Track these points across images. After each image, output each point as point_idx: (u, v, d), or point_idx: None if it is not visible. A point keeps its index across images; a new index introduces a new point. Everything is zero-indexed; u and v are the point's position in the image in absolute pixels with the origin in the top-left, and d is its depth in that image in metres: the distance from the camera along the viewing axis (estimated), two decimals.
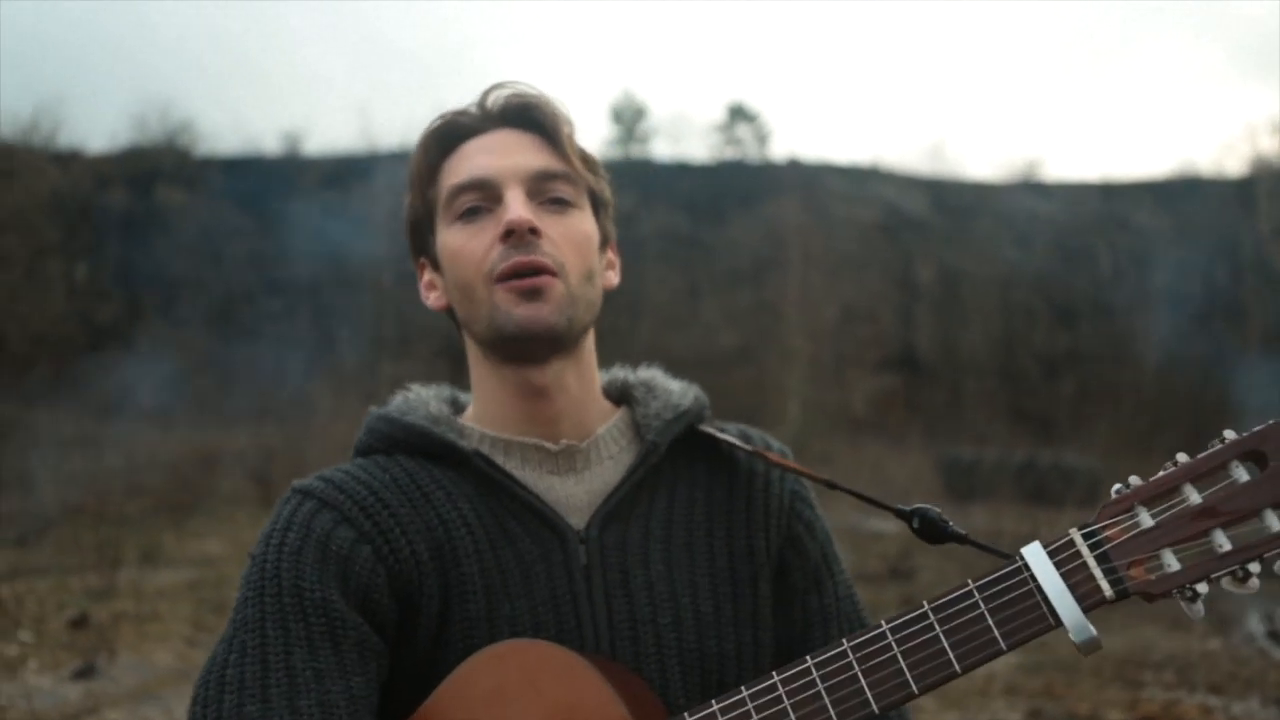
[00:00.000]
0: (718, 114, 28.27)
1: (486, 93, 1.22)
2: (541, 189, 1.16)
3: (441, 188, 1.17)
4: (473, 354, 1.19)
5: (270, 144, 20.37)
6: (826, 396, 17.23)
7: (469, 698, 1.04)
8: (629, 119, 23.21)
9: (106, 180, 18.81)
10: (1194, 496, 0.93)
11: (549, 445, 1.18)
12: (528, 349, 1.13)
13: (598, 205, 1.21)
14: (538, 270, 1.11)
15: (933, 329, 20.50)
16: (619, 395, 1.27)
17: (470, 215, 1.16)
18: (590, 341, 1.21)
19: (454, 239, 1.15)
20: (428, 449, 1.18)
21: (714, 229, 20.23)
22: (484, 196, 1.16)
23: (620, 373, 1.31)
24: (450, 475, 1.16)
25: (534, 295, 1.10)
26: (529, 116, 1.19)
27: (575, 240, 1.15)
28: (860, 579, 7.79)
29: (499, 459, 1.18)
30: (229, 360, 17.11)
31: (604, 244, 1.22)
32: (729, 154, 23.58)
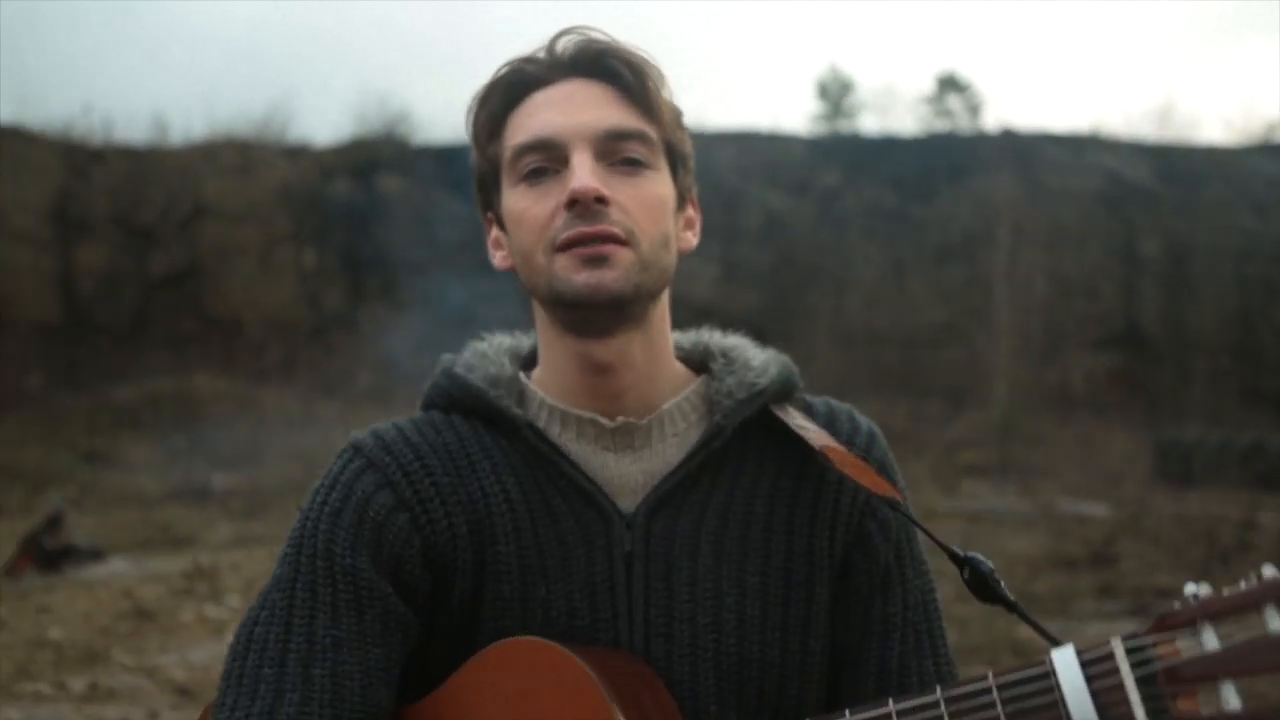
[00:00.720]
0: (927, 85, 27.49)
1: (556, 38, 1.12)
2: (613, 149, 1.07)
3: (505, 145, 1.09)
4: (539, 318, 1.13)
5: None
6: (1039, 375, 16.59)
7: (471, 693, 1.03)
8: (835, 94, 22.83)
9: (331, 171, 19.77)
10: (1277, 622, 0.75)
11: (604, 421, 1.10)
12: (590, 318, 1.07)
13: (676, 161, 1.12)
14: (604, 239, 1.04)
15: (1159, 304, 19.43)
16: (700, 362, 1.18)
17: (535, 176, 1.07)
18: (663, 309, 1.13)
19: (517, 202, 1.08)
20: (483, 413, 1.13)
21: (922, 204, 19.71)
22: (549, 157, 1.07)
23: (706, 337, 1.21)
24: (502, 443, 1.12)
25: (598, 261, 1.03)
26: (602, 65, 1.09)
27: (648, 205, 1.07)
28: (1057, 564, 7.52)
29: (555, 430, 1.12)
30: (446, 341, 17.75)
31: (682, 203, 1.13)
32: (939, 126, 22.90)
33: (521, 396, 1.14)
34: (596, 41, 1.10)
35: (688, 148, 1.14)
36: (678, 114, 1.12)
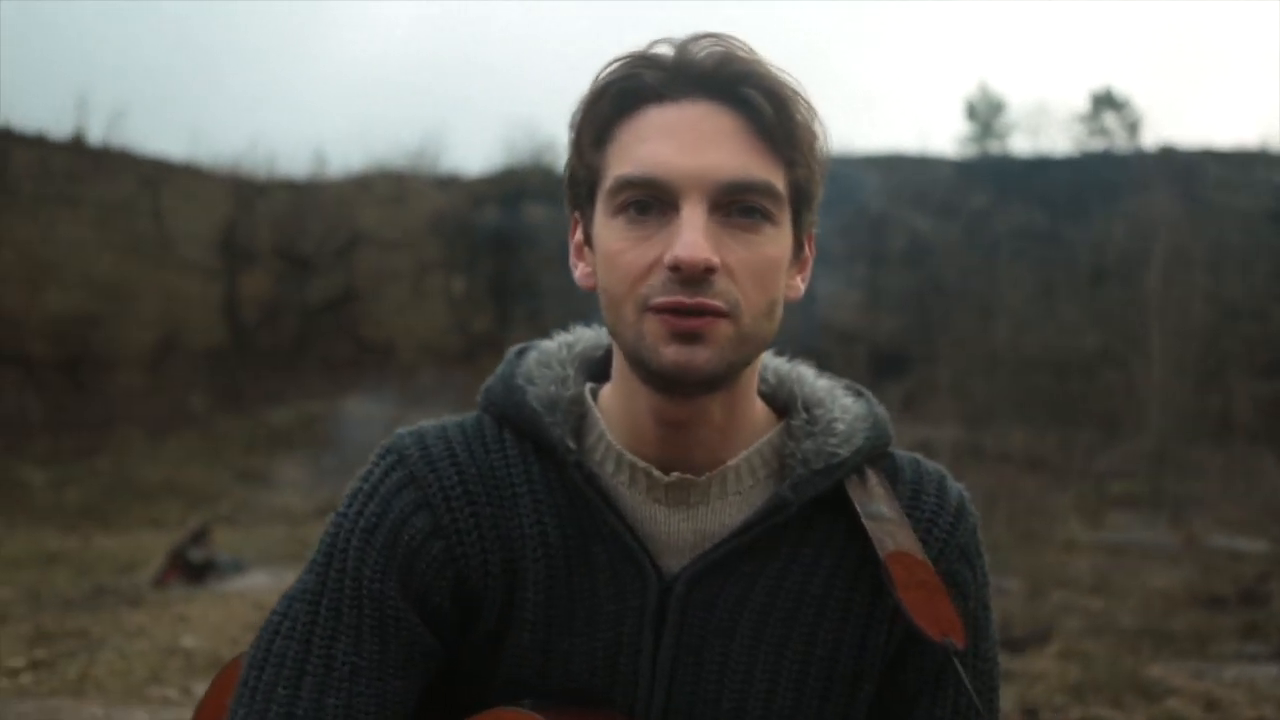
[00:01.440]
0: (1081, 103, 26.68)
1: (690, 41, 0.96)
2: (730, 200, 0.93)
3: (608, 164, 0.97)
4: (617, 355, 1.01)
5: None
6: (1198, 403, 15.87)
7: None
8: (984, 114, 22.38)
9: (481, 200, 20.27)
10: None
11: (659, 475, 1.00)
12: (673, 389, 0.96)
13: (801, 204, 0.98)
14: (703, 312, 0.92)
15: None
16: (783, 405, 1.06)
17: (636, 211, 0.95)
18: (755, 368, 1.01)
19: (612, 238, 0.96)
20: (534, 438, 1.03)
21: (1075, 225, 19.11)
22: (654, 195, 0.94)
23: (794, 377, 1.08)
24: (550, 476, 1.02)
25: (692, 339, 0.92)
26: (740, 91, 0.94)
27: (760, 271, 0.94)
28: (1201, 601, 7.17)
29: (609, 468, 1.02)
30: None
31: (799, 251, 1.00)
32: (1093, 145, 22.21)
33: (582, 422, 1.04)
34: (738, 58, 0.95)
35: (818, 181, 0.99)
36: (818, 147, 0.98)
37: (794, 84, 0.96)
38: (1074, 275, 18.64)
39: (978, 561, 1.05)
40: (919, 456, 1.09)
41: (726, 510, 1.01)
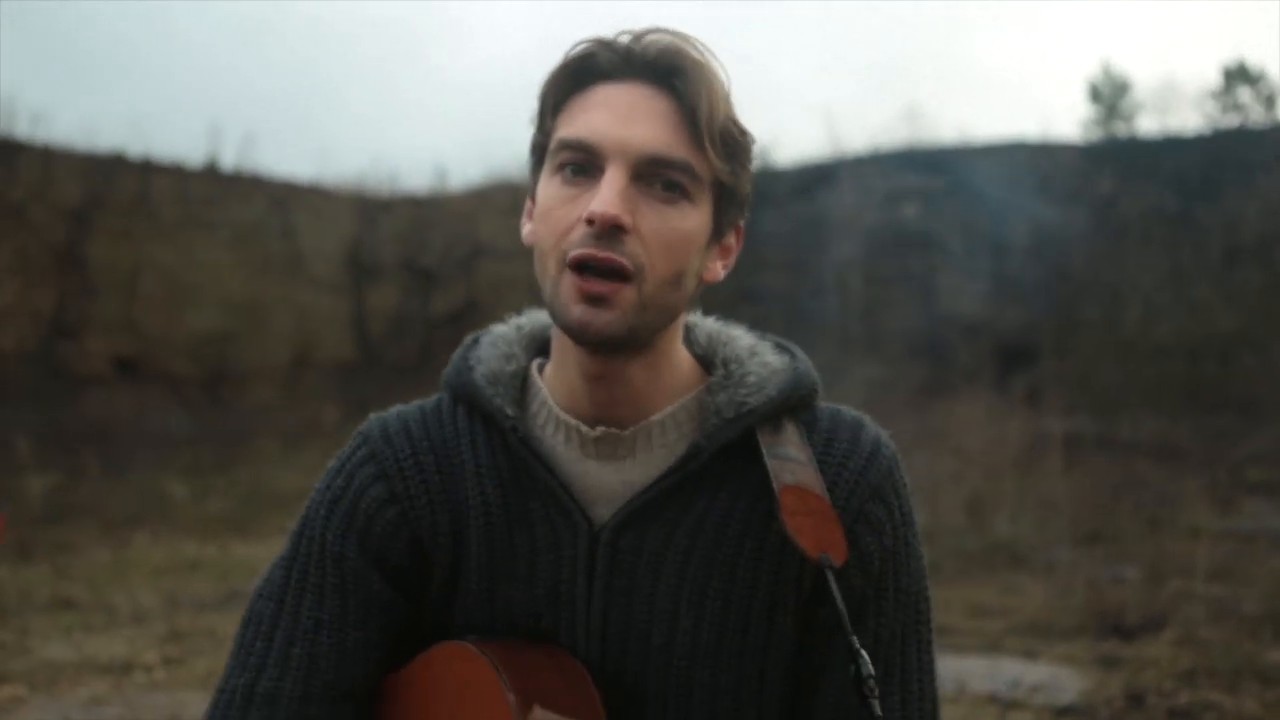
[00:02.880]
0: (1212, 78, 25.73)
1: (642, 34, 1.07)
2: (652, 172, 1.03)
3: (557, 128, 1.07)
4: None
5: None
6: None
7: (412, 688, 1.10)
8: (1109, 95, 21.77)
9: None
10: None
11: (585, 429, 1.10)
12: (581, 345, 1.06)
13: (723, 195, 1.07)
14: (611, 271, 1.01)
15: None
16: (711, 365, 1.16)
17: (572, 173, 1.05)
18: (672, 333, 1.10)
19: (549, 194, 1.06)
20: (480, 409, 1.14)
21: (1208, 206, 18.45)
22: (587, 159, 1.04)
23: (723, 338, 1.17)
24: (494, 443, 1.13)
25: (597, 301, 1.01)
26: (674, 79, 1.04)
27: (670, 241, 1.03)
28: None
29: (549, 430, 1.12)
30: None
31: (719, 235, 1.09)
32: (1226, 122, 21.42)
33: (525, 392, 1.15)
34: (679, 52, 1.05)
35: (743, 182, 1.09)
36: (741, 147, 1.07)
37: (725, 79, 1.05)
38: (1207, 258, 17.99)
39: (894, 500, 1.12)
40: (841, 407, 1.18)
41: (652, 462, 1.11)
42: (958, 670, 4.90)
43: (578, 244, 1.02)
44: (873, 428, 1.16)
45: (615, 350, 1.06)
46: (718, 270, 1.13)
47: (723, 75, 1.06)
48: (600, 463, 1.11)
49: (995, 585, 6.55)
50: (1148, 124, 22.04)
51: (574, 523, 1.10)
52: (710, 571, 1.08)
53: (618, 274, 1.01)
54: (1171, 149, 20.12)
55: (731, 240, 1.13)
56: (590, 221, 1.01)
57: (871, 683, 0.98)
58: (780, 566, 1.09)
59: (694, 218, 1.05)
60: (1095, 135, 21.48)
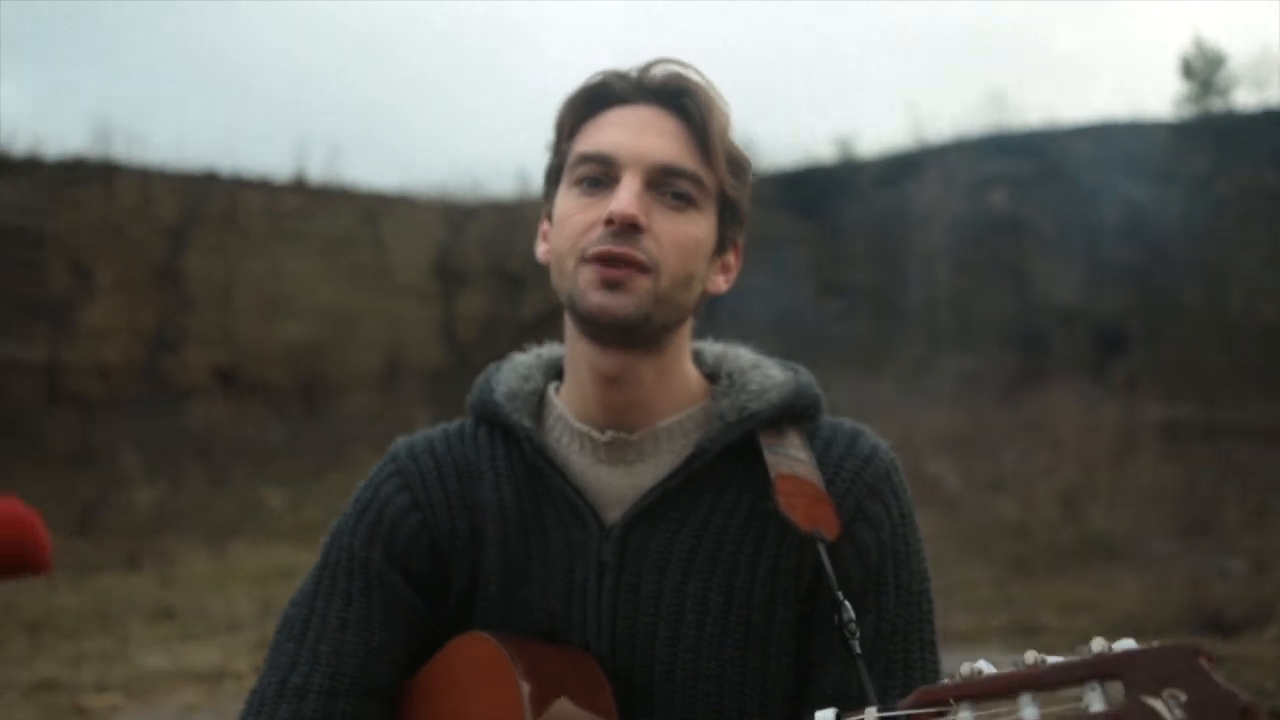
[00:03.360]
0: None
1: (650, 64, 1.17)
2: (665, 181, 1.12)
3: (574, 148, 1.16)
4: (566, 321, 1.19)
5: (825, 152, 20.86)
6: None
7: (432, 677, 1.15)
8: (1202, 70, 21.13)
9: None
10: (1030, 711, 0.71)
11: (596, 435, 1.17)
12: (597, 332, 1.13)
13: (725, 209, 1.16)
14: (628, 263, 1.09)
15: None
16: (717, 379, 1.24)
17: (589, 185, 1.13)
18: (681, 338, 1.18)
19: (566, 204, 1.14)
20: (499, 425, 1.23)
21: None
22: (604, 172, 1.12)
23: (731, 354, 1.25)
24: (512, 455, 1.21)
25: (615, 285, 1.09)
26: (680, 101, 1.14)
27: (681, 243, 1.11)
28: None
29: (565, 440, 1.19)
30: (793, 359, 17.89)
31: (722, 249, 1.18)
32: None
33: (541, 408, 1.23)
34: (683, 78, 1.16)
35: (743, 201, 1.18)
36: (741, 166, 1.17)
37: (723, 105, 1.15)
38: None
39: (890, 499, 1.16)
40: (843, 420, 1.23)
41: (660, 466, 1.17)
42: None
43: (597, 242, 1.10)
44: (871, 436, 1.21)
45: (630, 339, 1.12)
46: (719, 283, 1.19)
47: (722, 101, 1.16)
48: (611, 467, 1.17)
49: (1089, 580, 6.40)
50: (1244, 98, 21.29)
51: (586, 524, 1.16)
52: (714, 568, 1.14)
53: (635, 265, 1.09)
54: (1270, 123, 19.46)
55: (731, 258, 1.21)
56: (609, 221, 1.09)
57: (852, 625, 1.05)
58: (779, 558, 1.13)
59: (702, 225, 1.13)
60: (1189, 112, 20.83)
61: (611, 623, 1.14)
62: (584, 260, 1.11)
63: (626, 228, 1.09)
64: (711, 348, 1.27)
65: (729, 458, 1.16)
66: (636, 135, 1.12)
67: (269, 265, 17.41)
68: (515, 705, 1.03)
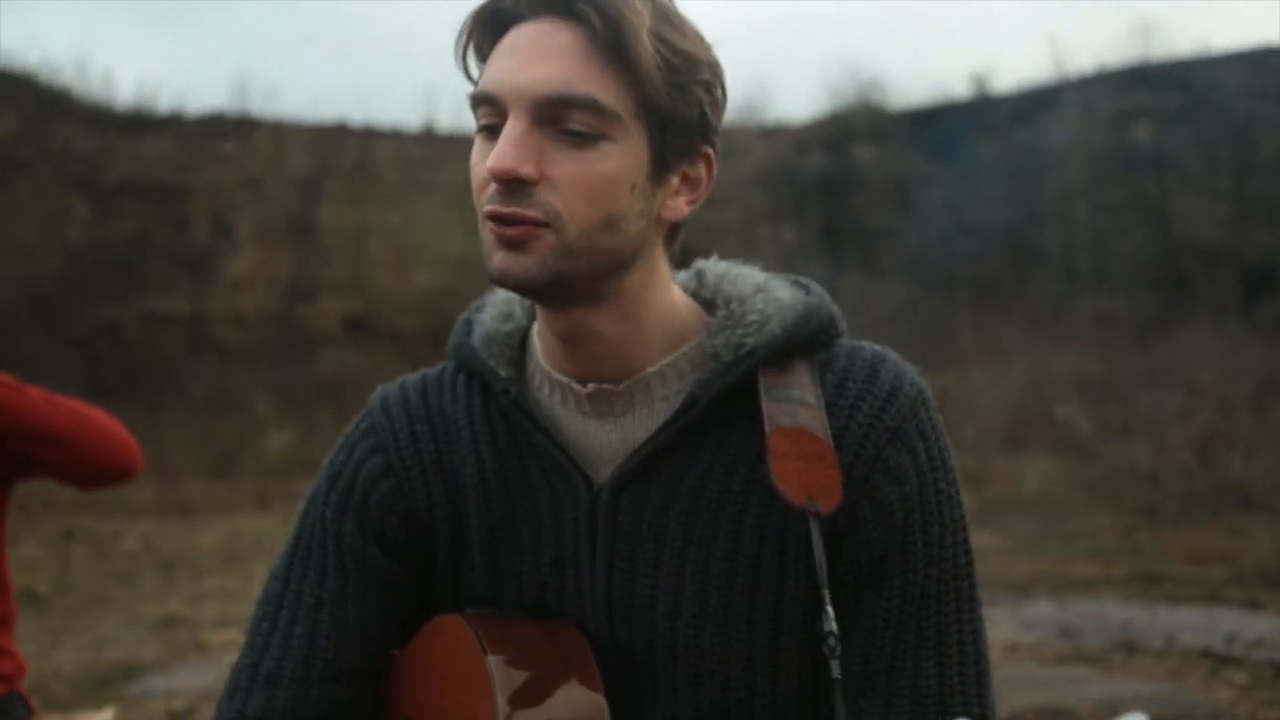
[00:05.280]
0: None
1: None
2: (554, 115, 0.93)
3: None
4: None
5: (959, 88, 20.21)
6: None
7: (411, 660, 1.08)
8: None
9: (806, 148, 20.14)
10: None
11: (577, 387, 1.03)
12: (508, 290, 0.99)
13: (659, 124, 0.95)
14: (519, 221, 0.93)
15: None
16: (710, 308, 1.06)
17: (487, 133, 0.97)
18: (642, 281, 1.00)
19: (473, 154, 0.99)
20: (477, 372, 1.09)
21: None
22: (496, 114, 0.96)
23: (728, 277, 1.07)
24: (490, 408, 1.08)
25: (513, 245, 0.94)
26: (575, 7, 0.94)
27: (588, 184, 0.93)
28: None
29: (545, 391, 1.06)
30: (924, 306, 17.55)
31: (662, 170, 0.97)
32: None
33: (523, 353, 1.09)
34: None
35: (690, 104, 0.97)
36: (683, 64, 0.96)
37: (651, 3, 0.94)
38: None
39: (917, 442, 1.00)
40: (863, 343, 1.05)
41: (652, 417, 1.02)
42: (1168, 622, 4.59)
43: (489, 200, 0.95)
44: (895, 363, 1.04)
45: (556, 299, 0.99)
46: (681, 207, 1.00)
47: None
48: (600, 421, 1.04)
49: (1221, 529, 6.11)
50: None
51: (574, 485, 1.04)
52: (715, 532, 1.01)
53: (530, 223, 0.94)
54: None
55: (700, 171, 1.00)
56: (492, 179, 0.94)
57: (832, 641, 0.92)
58: (787, 523, 0.99)
59: (616, 157, 0.94)
60: None
61: (607, 595, 1.03)
62: (484, 219, 0.96)
63: (510, 183, 0.93)
64: (714, 268, 1.10)
65: (727, 403, 1.01)
66: (519, 64, 0.94)
67: (400, 214, 17.71)
68: (485, 693, 0.95)
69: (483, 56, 1.00)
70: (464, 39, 1.00)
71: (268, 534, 7.94)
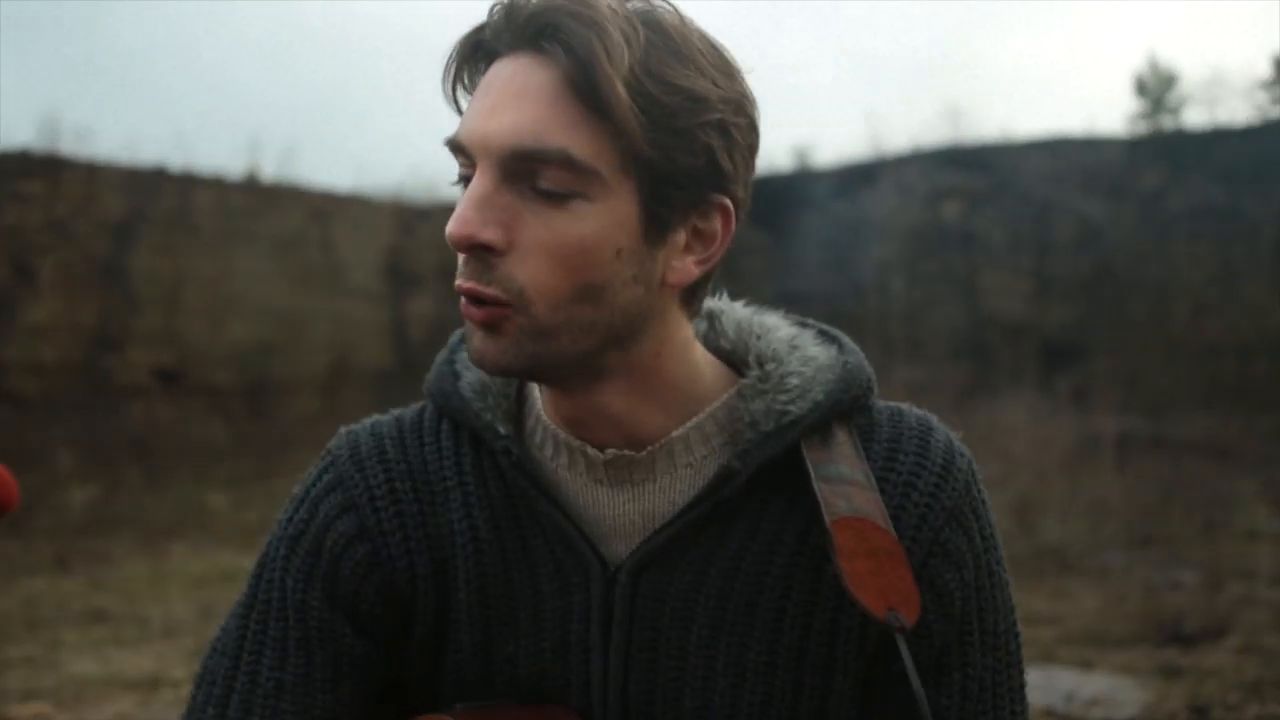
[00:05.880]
0: (1263, 68, 25.22)
1: None
2: (525, 169, 0.82)
3: None
4: None
5: (782, 160, 20.80)
6: None
7: None
8: (1155, 89, 21.41)
9: None
10: None
11: (593, 453, 0.92)
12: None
13: (651, 175, 0.83)
14: (480, 300, 0.84)
15: None
16: (742, 364, 0.96)
17: (464, 184, 0.87)
18: (655, 348, 0.89)
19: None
20: (467, 425, 0.96)
21: (1259, 200, 18.05)
22: (470, 164, 0.86)
23: (755, 331, 0.97)
24: (484, 467, 0.95)
25: (488, 328, 0.85)
26: (547, 39, 0.81)
27: (559, 251, 0.82)
28: None
29: (548, 453, 0.94)
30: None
31: (660, 228, 0.85)
32: (1277, 113, 20.99)
33: (513, 407, 0.97)
34: (555, 6, 0.81)
35: (689, 151, 0.84)
36: (674, 105, 0.82)
37: (638, 34, 0.81)
38: (1258, 253, 17.57)
39: (973, 524, 0.94)
40: (904, 406, 0.98)
41: (676, 487, 0.92)
42: None
43: (458, 273, 0.87)
44: (943, 431, 0.97)
45: (542, 381, 0.91)
46: (689, 269, 0.88)
47: (625, 22, 0.81)
48: (614, 489, 0.93)
49: (1045, 591, 6.34)
50: (1195, 117, 21.60)
51: (584, 563, 0.92)
52: (752, 620, 0.91)
53: (489, 301, 0.84)
54: (1220, 141, 19.63)
55: (714, 224, 0.88)
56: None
57: None
58: (838, 614, 0.91)
59: (593, 217, 0.82)
60: (1141, 129, 21.04)
61: (622, 689, 0.92)
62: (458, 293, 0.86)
63: (475, 250, 0.83)
64: (732, 314, 0.99)
65: (764, 474, 0.91)
66: (490, 108, 0.83)
67: (217, 264, 17.09)
68: None
69: (470, 91, 0.89)
70: (450, 71, 0.90)
71: (69, 598, 7.41)
